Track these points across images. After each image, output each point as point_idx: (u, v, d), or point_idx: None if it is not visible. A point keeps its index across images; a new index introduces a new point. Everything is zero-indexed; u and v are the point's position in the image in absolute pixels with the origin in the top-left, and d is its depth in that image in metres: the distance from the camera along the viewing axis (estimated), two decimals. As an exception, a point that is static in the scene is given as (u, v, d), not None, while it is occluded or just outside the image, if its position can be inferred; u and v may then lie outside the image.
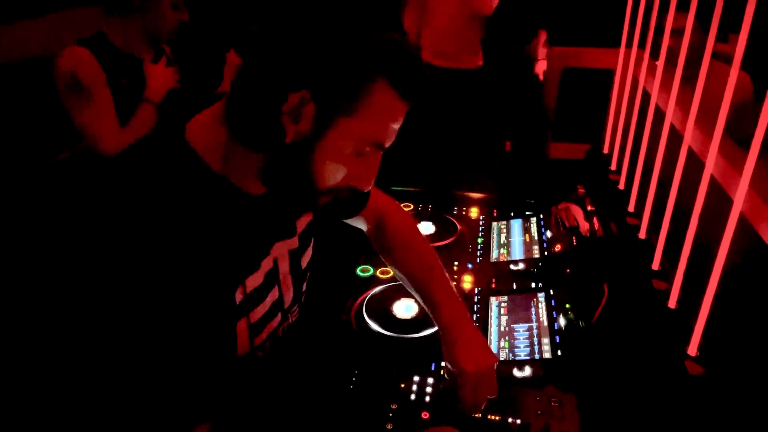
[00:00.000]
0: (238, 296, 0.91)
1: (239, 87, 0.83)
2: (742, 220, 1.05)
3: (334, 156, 0.83)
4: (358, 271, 1.48)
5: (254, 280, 0.94)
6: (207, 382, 0.91)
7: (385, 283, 1.42)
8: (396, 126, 0.86)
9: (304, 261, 1.09)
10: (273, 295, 1.00)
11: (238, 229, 0.90)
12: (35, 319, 1.07)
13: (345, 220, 1.24)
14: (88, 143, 1.75)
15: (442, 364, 1.09)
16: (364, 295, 1.38)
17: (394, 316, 1.32)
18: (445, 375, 1.10)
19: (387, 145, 0.87)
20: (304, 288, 1.11)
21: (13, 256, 1.48)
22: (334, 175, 0.85)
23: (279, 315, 1.04)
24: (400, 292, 1.38)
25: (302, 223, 1.07)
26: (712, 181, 1.17)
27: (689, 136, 1.27)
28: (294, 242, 1.04)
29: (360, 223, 1.26)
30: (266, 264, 0.97)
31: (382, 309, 1.34)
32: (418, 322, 1.30)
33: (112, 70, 1.76)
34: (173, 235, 0.81)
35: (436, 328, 1.26)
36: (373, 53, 0.79)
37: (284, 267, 1.03)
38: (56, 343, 0.87)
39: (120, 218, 0.81)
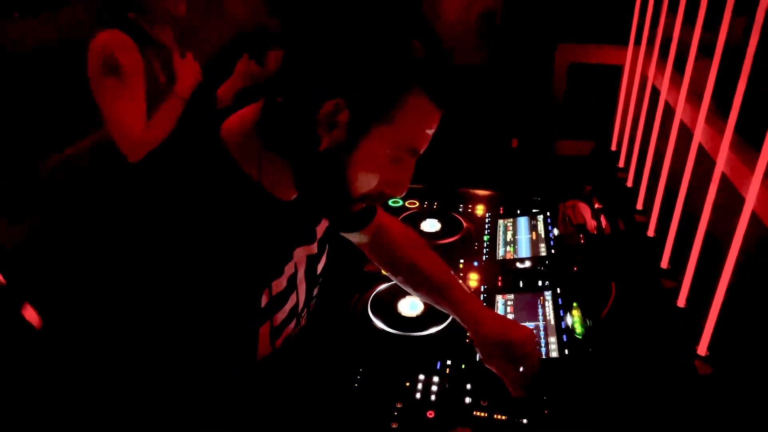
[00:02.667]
0: (263, 300, 0.91)
1: (274, 94, 0.82)
2: (753, 218, 1.03)
3: (368, 163, 0.81)
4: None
5: (278, 285, 0.94)
6: (226, 385, 0.91)
7: (390, 281, 1.41)
8: (431, 132, 0.85)
9: (320, 267, 1.08)
10: (292, 300, 1.00)
11: (267, 234, 0.89)
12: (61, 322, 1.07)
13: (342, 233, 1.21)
14: (112, 134, 1.71)
15: (478, 357, 1.08)
16: (370, 293, 1.37)
17: (399, 314, 1.31)
18: (488, 363, 1.07)
19: (422, 150, 0.86)
20: (315, 293, 1.11)
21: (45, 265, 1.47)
22: (369, 182, 0.83)
23: (295, 319, 1.04)
24: (405, 290, 1.37)
25: (320, 229, 1.06)
26: (723, 178, 1.15)
27: (699, 133, 1.25)
28: (313, 248, 1.04)
29: (355, 236, 1.22)
30: (288, 269, 0.97)
31: (387, 307, 1.33)
32: (424, 320, 1.29)
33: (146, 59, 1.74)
34: (204, 237, 0.81)
35: (441, 326, 1.26)
36: (408, 62, 0.78)
37: (301, 272, 1.02)
38: (79, 340, 0.88)
39: (151, 219, 0.81)
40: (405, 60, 0.78)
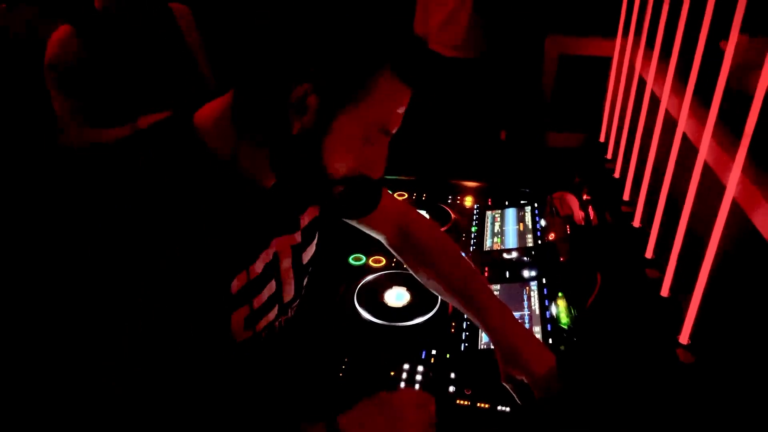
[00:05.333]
0: (236, 285, 0.91)
1: (244, 81, 0.83)
2: (736, 208, 1.04)
3: (342, 144, 0.82)
4: (350, 259, 1.47)
5: (252, 272, 0.94)
6: (204, 370, 0.91)
7: (376, 272, 1.41)
8: (401, 111, 0.86)
9: (306, 257, 1.08)
10: (270, 288, 0.99)
11: (239, 219, 0.89)
12: (30, 309, 1.06)
13: (365, 230, 1.19)
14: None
15: (502, 373, 1.02)
16: (356, 284, 1.37)
17: (385, 305, 1.31)
18: (506, 382, 1.02)
19: (393, 130, 0.87)
20: (305, 283, 1.10)
21: (12, 241, 1.47)
22: (344, 163, 0.84)
23: (276, 308, 1.03)
24: (391, 281, 1.37)
25: (306, 218, 1.06)
26: (707, 169, 1.15)
27: (684, 122, 1.25)
28: (296, 238, 1.04)
29: (379, 234, 1.20)
30: (265, 256, 0.96)
31: (373, 297, 1.33)
32: (409, 310, 1.29)
33: (102, 55, 1.73)
34: (170, 221, 0.81)
35: (427, 317, 1.26)
36: (377, 42, 0.79)
37: (286, 262, 1.02)
38: (48, 333, 0.87)
39: (119, 204, 0.81)
40: (374, 41, 0.78)
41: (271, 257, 0.98)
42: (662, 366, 1.12)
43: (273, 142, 0.83)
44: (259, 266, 0.95)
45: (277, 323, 1.04)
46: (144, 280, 0.79)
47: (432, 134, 2.03)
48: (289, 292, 1.05)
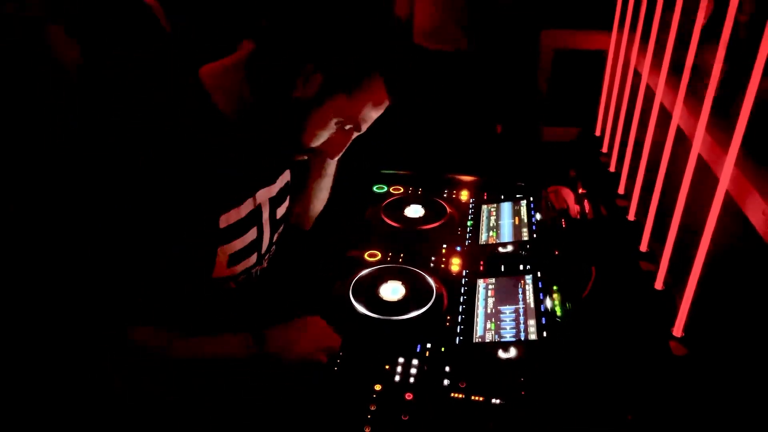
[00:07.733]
0: (224, 221, 1.08)
1: (265, 48, 1.01)
2: (730, 201, 1.04)
3: (322, 122, 1.04)
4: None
5: (237, 214, 1.11)
6: (181, 293, 1.04)
7: (372, 266, 1.41)
8: (375, 115, 1.09)
9: (279, 212, 1.27)
10: (252, 234, 1.16)
11: (230, 164, 1.06)
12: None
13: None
14: None
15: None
16: (352, 278, 1.37)
17: (380, 299, 1.31)
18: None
19: (363, 128, 1.11)
20: (275, 239, 1.28)
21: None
22: (318, 137, 1.07)
23: (255, 255, 1.19)
24: (387, 275, 1.38)
25: (284, 179, 1.27)
26: (701, 162, 1.16)
27: (678, 114, 1.26)
28: (273, 190, 1.23)
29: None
30: (250, 203, 1.14)
31: (368, 291, 1.33)
32: (404, 304, 1.29)
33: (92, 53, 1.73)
34: (169, 159, 0.97)
35: (422, 310, 1.27)
36: (378, 55, 1.02)
37: (266, 213, 1.21)
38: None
39: (125, 140, 0.97)
40: (376, 52, 1.02)
41: (255, 206, 1.16)
42: (656, 358, 1.12)
43: (273, 98, 1.01)
44: (244, 210, 1.12)
45: (254, 270, 1.21)
46: (143, 199, 0.95)
47: (428, 128, 2.03)
48: (266, 242, 1.22)
